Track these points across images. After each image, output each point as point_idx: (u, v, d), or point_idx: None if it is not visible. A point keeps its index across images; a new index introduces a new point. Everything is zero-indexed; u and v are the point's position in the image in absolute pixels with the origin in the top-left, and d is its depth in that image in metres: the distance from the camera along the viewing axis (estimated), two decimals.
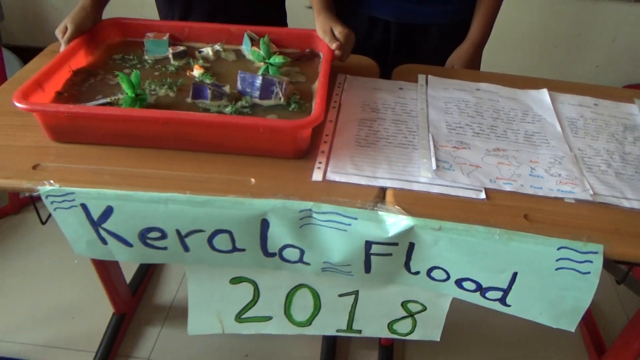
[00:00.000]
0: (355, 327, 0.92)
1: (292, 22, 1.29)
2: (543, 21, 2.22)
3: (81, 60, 0.94)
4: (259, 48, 0.95)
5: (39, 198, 0.75)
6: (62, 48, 0.92)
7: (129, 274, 1.55)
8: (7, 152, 0.79)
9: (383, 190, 0.76)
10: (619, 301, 1.59)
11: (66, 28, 0.94)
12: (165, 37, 0.99)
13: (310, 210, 0.72)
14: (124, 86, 0.79)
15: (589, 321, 1.50)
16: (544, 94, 1.02)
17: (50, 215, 0.86)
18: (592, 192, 0.77)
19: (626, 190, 0.79)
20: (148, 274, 1.61)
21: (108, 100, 0.82)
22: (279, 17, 1.25)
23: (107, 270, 1.30)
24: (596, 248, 0.69)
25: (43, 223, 0.88)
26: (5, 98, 0.92)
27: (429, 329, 0.91)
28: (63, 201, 0.75)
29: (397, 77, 1.06)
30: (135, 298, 1.53)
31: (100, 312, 1.48)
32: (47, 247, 1.70)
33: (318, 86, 0.84)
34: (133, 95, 0.79)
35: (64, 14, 2.35)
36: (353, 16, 1.19)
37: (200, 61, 0.96)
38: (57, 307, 1.52)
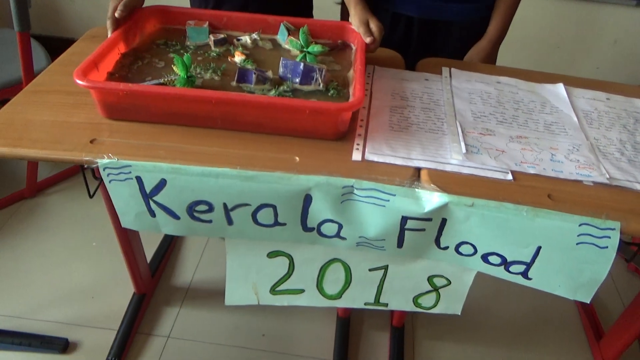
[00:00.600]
0: (382, 300, 0.98)
1: (317, 14, 1.35)
2: (546, 23, 2.30)
3: (128, 44, 0.99)
4: (296, 38, 1.01)
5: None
6: (119, 13, 0.94)
7: (148, 255, 1.60)
8: (64, 127, 0.84)
9: (418, 170, 0.82)
10: (616, 290, 1.67)
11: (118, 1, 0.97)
12: (205, 25, 1.04)
13: (352, 186, 0.78)
14: (178, 67, 0.84)
15: (588, 308, 1.58)
16: (560, 87, 1.09)
17: (96, 189, 0.91)
18: (608, 176, 0.84)
19: (639, 175, 0.86)
20: (166, 255, 1.66)
21: (161, 81, 0.87)
22: (306, 9, 1.31)
23: (132, 251, 1.35)
24: (614, 225, 0.75)
25: (91, 196, 0.93)
26: (55, 78, 0.97)
27: (452, 303, 0.97)
28: (119, 173, 0.80)
29: (421, 69, 1.12)
30: (154, 279, 1.58)
31: (119, 292, 1.53)
32: (65, 230, 1.74)
33: (356, 74, 0.89)
34: (185, 76, 0.85)
35: (76, 6, 2.39)
36: (377, 11, 1.24)
37: (240, 48, 1.02)
38: (77, 288, 1.56)
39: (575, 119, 1.00)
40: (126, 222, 0.89)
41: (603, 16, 2.28)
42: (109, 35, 0.95)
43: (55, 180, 1.94)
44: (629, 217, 0.77)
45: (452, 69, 1.11)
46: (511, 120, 0.97)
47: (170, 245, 1.69)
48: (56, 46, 2.55)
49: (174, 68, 0.87)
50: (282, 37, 1.05)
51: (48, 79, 0.97)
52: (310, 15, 1.34)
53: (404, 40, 1.27)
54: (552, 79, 1.13)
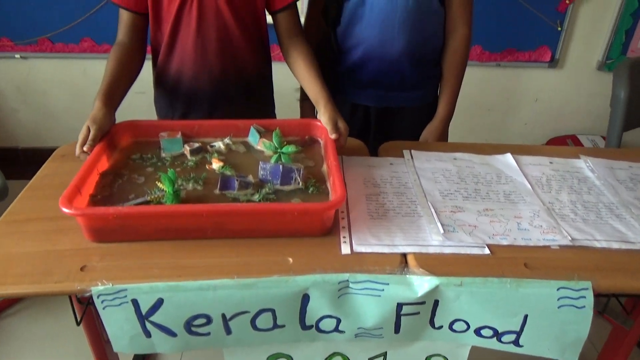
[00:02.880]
0: None
1: (278, 109, 1.43)
2: (477, 89, 2.53)
3: (104, 163, 1.00)
4: (267, 139, 1.07)
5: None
6: (87, 147, 0.97)
7: None
8: (50, 257, 0.83)
9: (404, 255, 0.87)
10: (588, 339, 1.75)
11: (88, 130, 0.99)
12: (179, 135, 1.08)
13: (347, 281, 0.82)
14: (165, 184, 0.87)
15: None
16: (509, 157, 1.20)
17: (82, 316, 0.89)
18: (570, 238, 0.93)
19: (595, 233, 0.96)
20: None
21: (147, 198, 0.89)
22: (269, 107, 1.39)
23: None
24: (586, 285, 0.83)
25: (78, 324, 0.91)
26: (31, 205, 0.96)
27: None
28: (114, 299, 0.80)
29: (384, 153, 1.21)
30: None
31: None
32: (28, 357, 1.62)
33: (332, 170, 0.96)
34: (172, 191, 0.87)
35: (24, 116, 2.38)
36: (336, 103, 1.35)
37: (215, 154, 1.06)
38: None
39: (528, 186, 1.10)
40: (119, 347, 0.87)
41: (524, 78, 2.55)
42: (76, 154, 0.97)
43: (12, 300, 1.82)
44: (597, 274, 0.85)
45: (412, 151, 1.20)
46: (475, 194, 1.05)
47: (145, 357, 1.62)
48: (1, 157, 2.50)
49: (159, 184, 0.89)
50: (254, 139, 1.11)
51: (23, 206, 0.96)
52: (273, 112, 1.41)
53: (363, 127, 1.37)
54: (499, 149, 1.25)
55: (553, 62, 2.49)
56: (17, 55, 2.25)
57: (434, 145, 1.29)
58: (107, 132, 1.04)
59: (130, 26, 1.20)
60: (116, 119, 1.09)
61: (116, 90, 1.10)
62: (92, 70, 2.32)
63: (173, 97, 1.28)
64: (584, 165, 1.21)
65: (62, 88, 2.37)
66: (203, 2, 1.15)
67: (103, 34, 2.19)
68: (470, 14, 1.32)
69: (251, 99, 1.30)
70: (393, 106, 1.36)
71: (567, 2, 2.35)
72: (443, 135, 1.36)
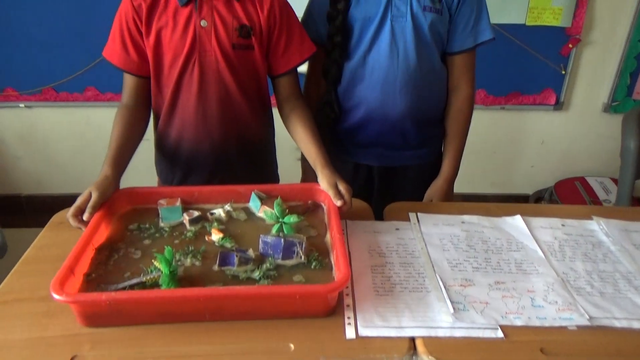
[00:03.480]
0: None
1: (281, 171, 1.40)
2: (482, 131, 2.51)
3: (101, 234, 0.97)
4: (269, 206, 1.04)
5: None
6: (87, 215, 0.95)
7: None
8: (40, 345, 0.79)
9: (412, 339, 0.82)
10: None
11: (90, 195, 0.98)
12: (178, 203, 1.05)
13: None
14: (161, 264, 0.83)
15: None
16: (519, 220, 1.16)
17: None
18: (588, 317, 0.88)
19: (614, 309, 0.91)
20: None
21: (143, 279, 0.85)
22: (271, 168, 1.36)
23: None
24: None
25: None
26: (23, 282, 0.93)
27: None
28: None
29: (389, 216, 1.17)
30: None
31: None
32: None
33: (335, 243, 0.92)
34: (169, 272, 0.84)
35: (27, 164, 2.37)
36: (339, 162, 1.32)
37: (215, 223, 1.03)
38: None
39: (540, 253, 1.06)
40: None
41: (529, 121, 2.53)
42: (73, 224, 0.95)
43: None
44: None
45: (419, 214, 1.16)
46: (485, 264, 1.01)
47: None
48: (4, 204, 2.48)
49: (155, 263, 0.86)
50: (255, 206, 1.08)
51: (14, 284, 0.93)
52: (276, 171, 1.39)
53: (367, 186, 1.34)
54: (508, 210, 1.21)
55: (558, 105, 2.47)
56: (22, 105, 2.26)
57: (441, 206, 1.25)
58: (108, 198, 1.02)
59: (134, 89, 1.20)
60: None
61: (123, 155, 1.11)
62: (96, 118, 2.33)
63: (173, 160, 1.26)
64: (597, 227, 1.17)
65: (65, 136, 2.37)
66: (204, 68, 1.14)
67: (107, 83, 2.20)
68: (472, 73, 1.30)
69: (253, 162, 1.28)
70: (396, 165, 1.33)
71: (570, 46, 2.35)
72: (448, 194, 1.33)
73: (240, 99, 1.19)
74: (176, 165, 1.27)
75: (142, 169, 1.31)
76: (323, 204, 1.11)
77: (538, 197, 2.65)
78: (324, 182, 1.07)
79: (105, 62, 1.18)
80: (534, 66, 2.37)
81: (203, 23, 1.12)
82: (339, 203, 1.03)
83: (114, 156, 1.09)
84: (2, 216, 2.33)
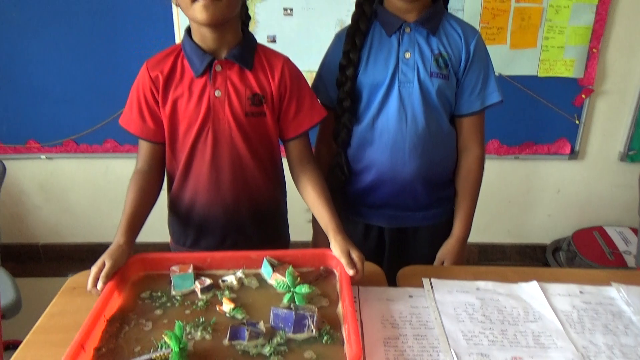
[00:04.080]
0: None
1: (293, 232, 1.40)
2: (495, 181, 2.50)
3: (113, 304, 0.98)
4: (281, 274, 1.03)
5: None
6: (101, 285, 0.97)
7: None
8: None
9: None
10: None
11: (104, 263, 1.00)
12: (190, 270, 1.05)
13: None
14: (172, 343, 0.83)
15: None
16: (535, 287, 1.14)
17: None
18: None
19: None
20: None
21: (152, 356, 0.85)
22: (282, 231, 1.37)
23: None
24: None
25: None
26: (33, 355, 0.93)
27: None
28: None
29: (402, 281, 1.16)
30: None
31: None
32: None
33: (347, 317, 0.91)
34: (178, 349, 0.83)
35: (46, 213, 2.42)
36: (349, 224, 1.33)
37: (227, 292, 1.02)
38: None
39: (559, 324, 1.03)
40: None
41: (544, 170, 2.52)
42: (88, 288, 0.97)
43: None
44: None
45: (433, 280, 1.15)
46: (501, 337, 0.98)
47: None
48: (21, 252, 2.52)
49: (166, 338, 0.85)
50: (267, 272, 1.08)
51: (26, 354, 0.93)
52: (287, 234, 1.39)
53: (378, 248, 1.34)
54: (524, 275, 1.18)
55: (573, 154, 2.46)
56: (43, 156, 2.33)
57: (454, 270, 1.23)
58: (121, 266, 1.04)
59: (149, 155, 1.24)
60: None
61: (136, 222, 1.14)
62: (114, 169, 2.38)
63: (186, 223, 1.28)
64: (617, 295, 1.13)
65: (84, 186, 2.42)
66: (217, 135, 1.17)
67: (126, 135, 2.23)
68: (481, 134, 1.31)
69: (264, 224, 1.29)
70: (407, 226, 1.33)
71: (583, 96, 2.36)
72: (460, 255, 1.32)
73: (252, 163, 1.21)
74: (189, 227, 1.29)
75: (157, 226, 1.33)
76: (335, 271, 1.10)
77: (556, 248, 2.60)
78: (336, 249, 1.07)
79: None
80: (547, 116, 2.38)
81: (217, 93, 1.16)
82: (351, 272, 1.02)
83: (127, 223, 1.11)
84: (20, 265, 2.37)
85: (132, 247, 1.08)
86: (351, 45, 1.22)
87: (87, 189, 2.43)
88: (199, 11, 1.06)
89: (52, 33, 2.13)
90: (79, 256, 2.52)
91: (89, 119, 2.26)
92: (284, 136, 1.25)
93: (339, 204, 1.32)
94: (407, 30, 1.21)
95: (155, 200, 1.22)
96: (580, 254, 2.43)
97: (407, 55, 1.21)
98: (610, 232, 2.52)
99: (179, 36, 2.13)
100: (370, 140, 1.26)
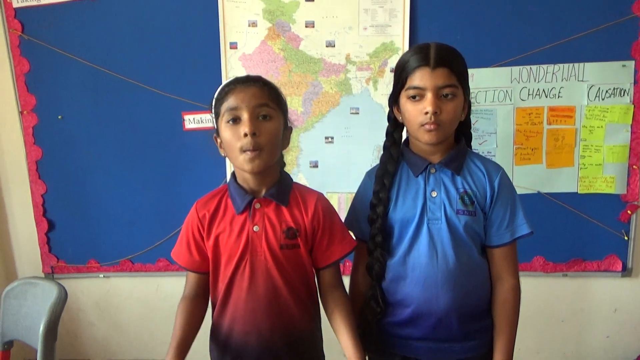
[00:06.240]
0: None
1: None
2: (547, 299, 2.41)
3: None
4: None
5: None
6: None
7: None
8: None
9: None
10: None
11: None
12: None
13: None
14: None
15: None
16: None
17: None
18: None
19: None
20: None
21: None
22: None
23: None
24: None
25: None
26: None
27: None
28: None
29: None
30: None
31: None
32: None
33: None
34: None
35: (99, 330, 2.54)
36: (386, 357, 1.33)
37: None
38: None
39: None
40: None
41: (597, 288, 2.41)
42: None
43: None
44: None
45: None
46: None
47: None
48: None
49: None
50: None
51: None
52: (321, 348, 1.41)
53: None
54: None
55: (626, 272, 2.35)
56: (101, 275, 2.49)
57: None
58: None
59: (195, 283, 1.35)
60: None
61: (185, 344, 1.24)
62: (165, 286, 2.50)
63: (224, 350, 1.34)
64: None
65: (135, 303, 2.54)
66: (254, 266, 1.27)
67: None
68: (515, 264, 1.32)
69: (299, 355, 1.32)
70: (446, 359, 1.31)
71: (629, 212, 2.31)
72: None
73: (287, 292, 1.28)
74: (226, 354, 1.34)
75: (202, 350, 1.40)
76: None
77: None
78: None
79: (176, 237, 1.37)
80: (593, 232, 2.32)
81: (255, 228, 1.27)
82: None
83: (177, 345, 1.21)
84: None
85: None
86: (380, 185, 1.32)
87: (139, 306, 2.53)
88: (245, 162, 1.22)
89: (121, 164, 2.39)
90: None
91: (144, 240, 2.43)
92: (316, 265, 1.33)
93: (375, 337, 1.33)
94: (433, 171, 1.30)
95: (199, 325, 1.31)
96: None
97: (434, 194, 1.28)
98: None
99: (229, 175, 2.34)
100: (404, 275, 1.30)
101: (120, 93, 2.33)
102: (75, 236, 2.46)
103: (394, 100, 1.32)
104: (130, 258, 2.46)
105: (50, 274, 2.50)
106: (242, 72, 2.27)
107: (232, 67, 2.27)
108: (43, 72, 2.34)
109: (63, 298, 1.61)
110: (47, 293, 1.61)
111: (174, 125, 2.33)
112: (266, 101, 1.22)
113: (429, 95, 1.20)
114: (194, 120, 2.32)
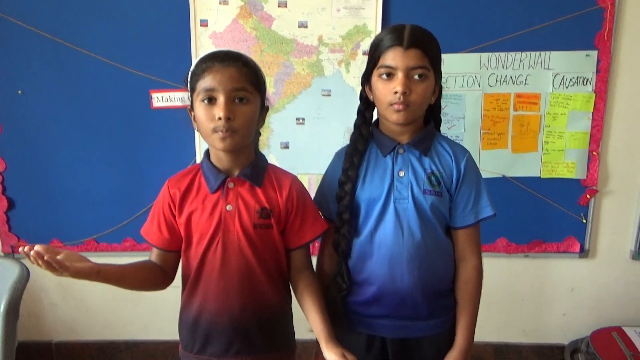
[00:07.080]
0: None
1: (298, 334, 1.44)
2: (508, 280, 2.49)
3: None
4: None
5: None
6: (27, 249, 1.04)
7: None
8: None
9: None
10: None
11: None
12: None
13: None
14: None
15: None
16: None
17: None
18: None
19: None
20: None
21: None
22: (287, 339, 1.41)
23: None
24: None
25: None
26: None
27: None
28: None
29: None
30: None
31: None
32: None
33: None
34: None
35: (62, 311, 2.48)
36: (352, 335, 1.35)
37: None
38: None
39: None
40: None
41: (556, 268, 2.51)
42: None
43: None
44: None
45: None
46: None
47: None
48: (34, 351, 2.54)
49: None
50: None
51: None
52: (293, 339, 1.43)
53: (381, 358, 1.34)
54: None
55: (583, 253, 2.46)
56: None
57: None
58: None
59: (158, 258, 1.35)
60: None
61: (119, 271, 1.25)
62: None
63: (194, 329, 1.34)
64: None
65: (100, 284, 2.49)
66: (227, 246, 1.27)
67: None
68: (477, 245, 1.37)
69: (270, 333, 1.34)
70: (410, 336, 1.35)
71: (588, 196, 2.41)
72: None
73: (259, 272, 1.29)
74: (196, 334, 1.34)
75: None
76: None
77: (574, 349, 2.52)
78: (330, 354, 1.12)
79: (144, 216, 1.36)
80: (553, 215, 2.41)
81: (228, 207, 1.26)
82: None
83: (111, 265, 1.23)
84: None
85: (95, 270, 1.18)
86: (349, 163, 1.33)
87: (104, 286, 2.48)
88: (217, 141, 1.20)
89: (85, 142, 2.32)
90: (90, 353, 2.53)
91: (110, 219, 2.39)
92: (288, 246, 1.34)
93: (341, 314, 1.36)
94: (401, 151, 1.32)
95: (148, 283, 1.33)
96: (600, 356, 2.35)
97: (401, 174, 1.30)
98: (630, 332, 2.44)
99: (199, 155, 2.31)
100: (370, 253, 1.32)
101: (85, 69, 2.25)
102: (37, 215, 2.39)
103: (366, 79, 1.33)
104: (95, 238, 2.41)
105: (10, 253, 2.42)
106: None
107: (202, 45, 2.22)
108: (2, 45, 2.23)
109: (25, 277, 1.57)
110: (8, 272, 1.57)
111: (142, 103, 2.27)
112: (244, 84, 1.20)
113: (399, 75, 1.21)
114: (162, 99, 2.26)
